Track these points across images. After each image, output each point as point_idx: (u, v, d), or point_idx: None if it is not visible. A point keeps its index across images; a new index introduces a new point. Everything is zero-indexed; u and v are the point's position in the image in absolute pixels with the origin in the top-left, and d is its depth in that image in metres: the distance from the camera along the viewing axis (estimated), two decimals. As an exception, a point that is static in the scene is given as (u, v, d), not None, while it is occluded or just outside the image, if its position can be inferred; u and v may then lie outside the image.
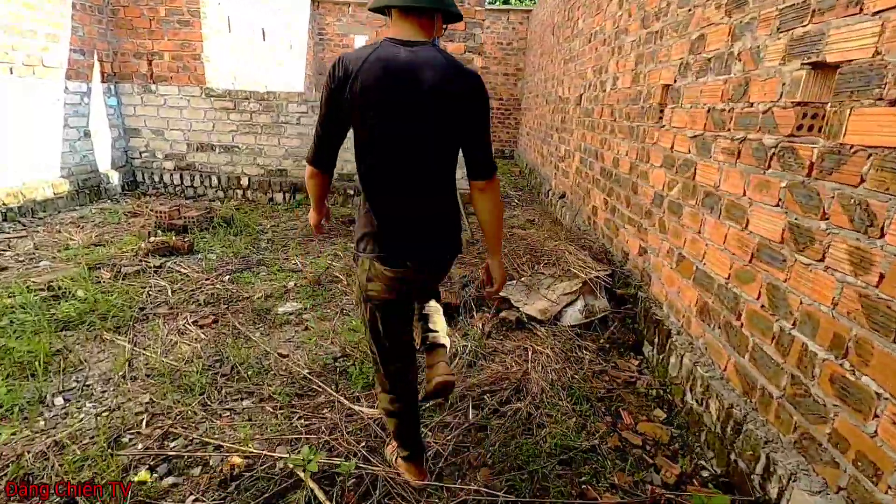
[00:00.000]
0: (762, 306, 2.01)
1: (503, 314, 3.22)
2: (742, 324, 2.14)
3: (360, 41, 13.53)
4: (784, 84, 1.95)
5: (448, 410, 2.27)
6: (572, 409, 2.37)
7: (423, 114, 1.45)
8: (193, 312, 3.16)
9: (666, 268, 2.99)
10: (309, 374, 2.54)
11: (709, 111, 2.56)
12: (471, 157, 1.58)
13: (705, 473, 2.07)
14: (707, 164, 2.56)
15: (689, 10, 2.87)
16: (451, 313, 3.26)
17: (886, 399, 1.42)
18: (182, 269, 3.85)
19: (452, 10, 1.53)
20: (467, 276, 3.70)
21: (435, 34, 1.54)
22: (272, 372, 2.56)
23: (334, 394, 2.39)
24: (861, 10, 1.58)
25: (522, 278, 3.54)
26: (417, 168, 1.51)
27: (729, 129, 2.36)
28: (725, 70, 2.43)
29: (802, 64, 1.84)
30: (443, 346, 1.89)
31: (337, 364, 2.67)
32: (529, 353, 2.81)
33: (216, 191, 6.72)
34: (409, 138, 1.47)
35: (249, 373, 2.52)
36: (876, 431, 1.45)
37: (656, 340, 2.88)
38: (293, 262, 4.21)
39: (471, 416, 2.21)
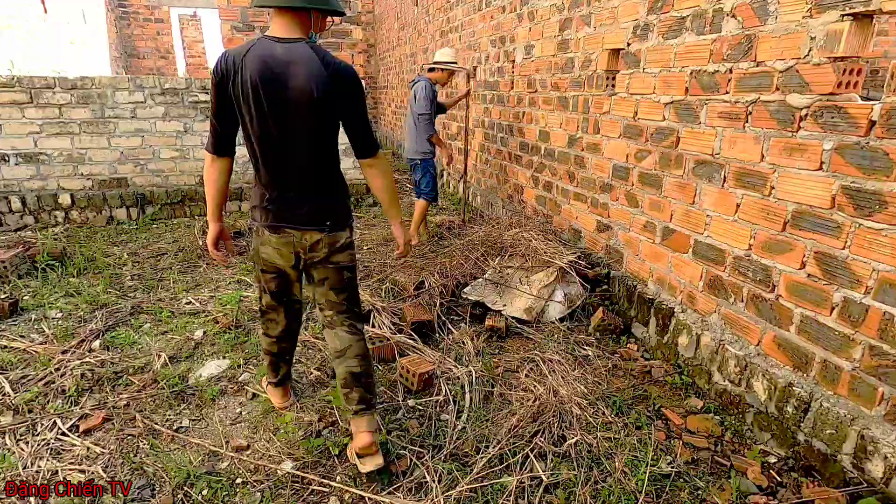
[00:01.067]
0: (809, 276, 1.92)
1: (489, 322, 2.80)
2: (779, 295, 2.05)
3: (176, 13, 11.36)
4: (813, 38, 1.82)
5: (515, 470, 1.79)
6: (622, 423, 2.08)
7: (296, 106, 1.62)
8: (66, 413, 2.11)
9: (645, 243, 2.85)
10: (295, 467, 1.82)
11: (692, 74, 2.40)
12: (352, 140, 1.77)
13: (772, 459, 1.96)
14: (696, 130, 2.41)
15: (642, -34, 2.67)
16: (425, 331, 2.73)
17: None
18: (15, 344, 2.62)
19: (325, 7, 1.66)
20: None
21: (313, 30, 1.69)
22: (238, 480, 1.77)
23: (345, 487, 1.74)
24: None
25: (486, 274, 3.14)
26: (293, 152, 1.69)
27: (727, 92, 2.22)
28: (712, 29, 2.27)
29: (843, 16, 1.72)
30: (369, 413, 1.83)
31: (325, 437, 1.98)
32: (540, 365, 2.45)
33: (21, 216, 4.94)
34: (284, 129, 1.65)
35: (204, 493, 1.70)
36: None
37: (652, 321, 2.74)
38: (186, 300, 3.19)
39: (542, 473, 1.77)
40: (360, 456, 1.75)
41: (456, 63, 4.47)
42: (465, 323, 2.91)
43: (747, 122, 2.13)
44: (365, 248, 4.21)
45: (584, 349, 2.69)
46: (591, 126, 3.31)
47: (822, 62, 1.80)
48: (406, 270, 3.34)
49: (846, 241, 1.78)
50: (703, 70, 2.33)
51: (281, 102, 1.61)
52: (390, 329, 2.73)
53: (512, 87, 4.51)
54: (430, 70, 4.35)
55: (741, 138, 2.16)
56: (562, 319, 2.95)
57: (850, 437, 1.76)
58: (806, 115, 1.87)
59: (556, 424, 1.99)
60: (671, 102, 2.56)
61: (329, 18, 1.75)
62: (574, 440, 1.91)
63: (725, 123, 2.24)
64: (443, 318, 2.89)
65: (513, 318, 2.87)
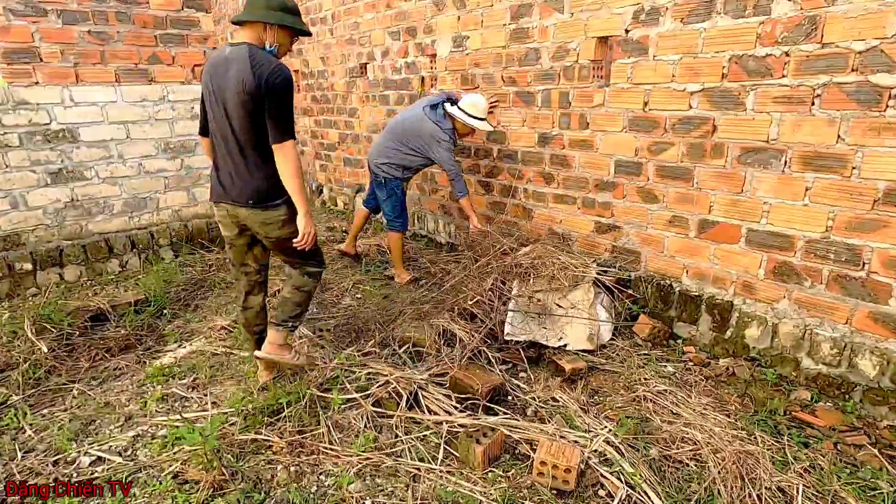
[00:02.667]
0: (910, 250, 1.98)
1: (568, 366, 2.30)
2: (872, 272, 2.08)
3: None
4: (902, 18, 1.83)
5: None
6: (772, 441, 1.87)
7: (227, 97, 1.97)
8: None
9: (673, 239, 2.72)
10: None
11: (732, 59, 2.30)
12: (269, 128, 1.98)
13: (903, 433, 1.99)
14: (740, 117, 2.33)
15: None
16: (497, 397, 2.13)
17: None
18: None
19: (273, 21, 2.00)
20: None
21: (268, 41, 2.03)
22: None
23: None
24: None
25: (511, 304, 2.64)
26: (228, 136, 2.04)
27: (784, 76, 2.16)
28: (756, 12, 2.18)
29: (943, -7, 1.74)
30: (276, 328, 2.30)
31: None
32: (657, 402, 2.10)
33: None
34: (222, 116, 2.03)
35: None
36: None
37: (704, 318, 2.63)
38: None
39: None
40: (258, 359, 2.30)
41: (486, 121, 3.32)
42: (526, 371, 2.38)
43: (813, 105, 2.10)
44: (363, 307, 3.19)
45: (659, 364, 2.44)
46: (576, 121, 3.05)
47: (916, 41, 1.82)
48: (414, 323, 2.60)
49: (957, 212, 1.85)
50: (750, 55, 2.25)
51: (218, 93, 1.99)
52: (453, 409, 2.05)
53: (434, 85, 3.99)
54: (450, 106, 3.31)
55: (810, 121, 2.13)
56: (612, 336, 2.65)
57: None
58: (894, 93, 1.90)
59: (712, 462, 1.67)
60: (701, 90, 2.44)
61: (291, 35, 2.10)
62: (798, 491, 1.61)
63: (783, 108, 2.19)
64: (503, 373, 2.31)
65: (579, 350, 2.45)
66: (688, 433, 1.89)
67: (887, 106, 1.92)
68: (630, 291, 2.93)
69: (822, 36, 2.03)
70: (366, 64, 4.73)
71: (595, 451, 1.83)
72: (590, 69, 2.90)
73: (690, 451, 1.82)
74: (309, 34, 2.17)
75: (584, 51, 2.88)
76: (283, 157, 1.99)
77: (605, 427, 1.97)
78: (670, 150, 2.63)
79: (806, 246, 2.25)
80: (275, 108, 1.95)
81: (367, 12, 4.52)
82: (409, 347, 2.44)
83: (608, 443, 1.86)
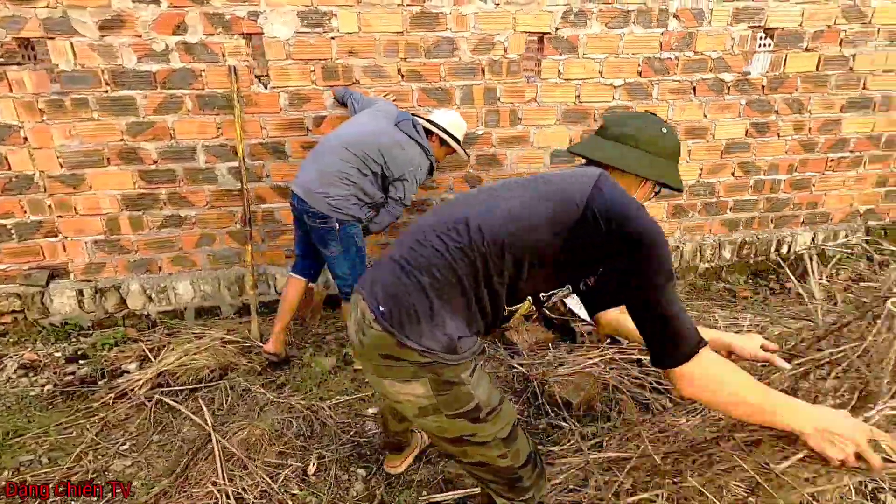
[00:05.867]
0: (734, 176, 3.34)
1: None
2: (719, 196, 3.36)
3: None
4: (733, 38, 2.98)
5: None
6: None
7: None
8: None
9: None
10: None
11: (644, 60, 2.94)
12: None
13: None
14: (649, 105, 3.06)
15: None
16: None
17: None
18: None
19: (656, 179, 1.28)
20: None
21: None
22: None
23: None
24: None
25: None
26: None
27: (675, 74, 3.01)
28: (659, 24, 2.89)
29: (751, 27, 2.97)
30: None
31: None
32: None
33: None
34: None
35: None
36: None
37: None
38: None
39: None
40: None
41: (459, 142, 2.52)
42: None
43: (693, 93, 3.08)
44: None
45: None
46: (506, 118, 2.95)
47: (737, 53, 3.03)
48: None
49: (754, 153, 3.29)
50: (655, 57, 2.96)
51: None
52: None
53: (262, 80, 2.68)
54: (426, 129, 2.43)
55: (689, 105, 3.10)
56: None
57: None
58: (736, 82, 3.10)
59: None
60: (623, 84, 2.99)
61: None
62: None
63: (675, 97, 3.07)
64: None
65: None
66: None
67: (728, 92, 3.11)
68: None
69: (696, 46, 2.99)
70: (45, 39, 2.47)
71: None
72: (519, 64, 2.87)
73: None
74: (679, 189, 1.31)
75: (514, 45, 2.82)
76: None
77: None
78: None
79: (689, 189, 3.32)
80: None
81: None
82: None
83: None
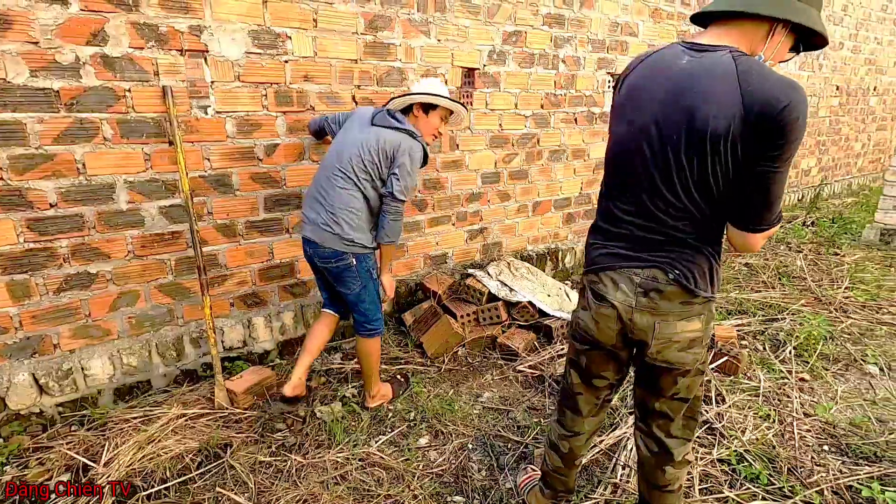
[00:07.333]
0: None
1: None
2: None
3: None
4: (598, 80, 3.80)
5: None
6: None
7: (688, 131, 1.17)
8: None
9: (521, 222, 3.71)
10: None
11: (545, 95, 3.51)
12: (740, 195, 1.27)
13: None
14: (549, 132, 3.65)
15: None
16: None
17: None
18: None
19: (794, 20, 1.09)
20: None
21: (763, 52, 1.16)
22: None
23: None
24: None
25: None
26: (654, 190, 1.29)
27: (565, 107, 3.67)
28: (553, 67, 3.49)
29: (608, 72, 3.82)
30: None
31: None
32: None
33: None
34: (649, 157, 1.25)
35: None
36: None
37: (548, 262, 3.88)
38: None
39: None
40: None
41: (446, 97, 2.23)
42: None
43: (575, 122, 3.79)
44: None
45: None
46: (447, 144, 3.15)
47: (601, 91, 3.87)
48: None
49: (611, 168, 4.20)
50: (551, 93, 3.55)
51: (663, 123, 1.18)
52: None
53: (203, 105, 2.30)
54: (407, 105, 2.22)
55: (574, 132, 3.81)
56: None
57: None
58: (600, 115, 3.92)
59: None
60: (531, 115, 3.50)
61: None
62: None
63: (565, 126, 3.73)
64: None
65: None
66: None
67: (595, 122, 3.92)
68: (512, 272, 3.68)
69: (576, 86, 3.70)
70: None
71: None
72: (458, 95, 3.11)
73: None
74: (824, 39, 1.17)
75: (453, 77, 3.05)
76: (751, 246, 1.23)
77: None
78: (516, 158, 3.54)
79: (575, 199, 4.04)
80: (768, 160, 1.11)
81: None
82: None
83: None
